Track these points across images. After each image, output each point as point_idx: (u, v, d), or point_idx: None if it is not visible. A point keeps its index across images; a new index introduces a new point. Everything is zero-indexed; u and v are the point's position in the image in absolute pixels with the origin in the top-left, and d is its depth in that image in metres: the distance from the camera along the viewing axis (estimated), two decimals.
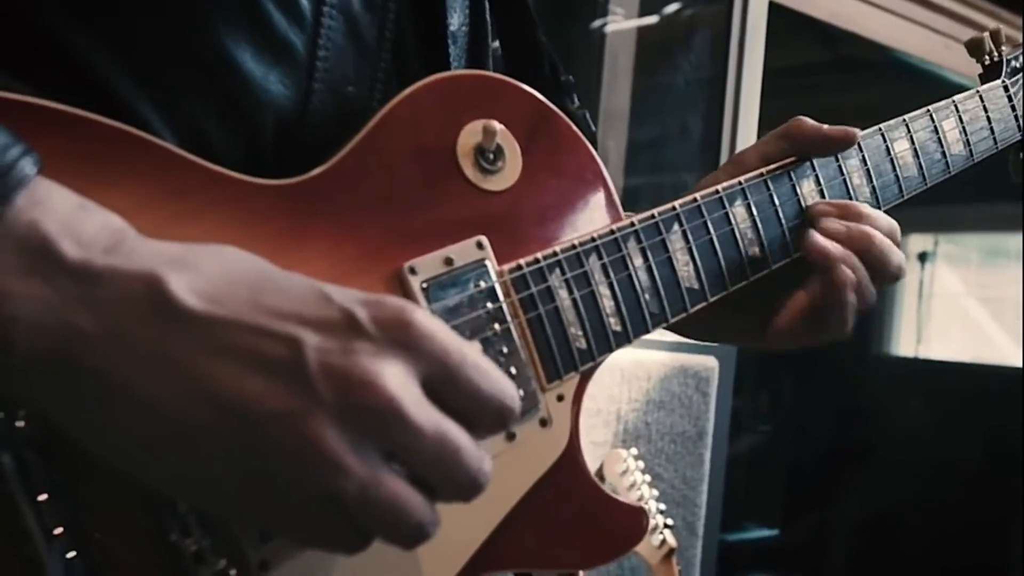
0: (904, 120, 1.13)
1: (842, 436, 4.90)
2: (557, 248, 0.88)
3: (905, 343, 5.50)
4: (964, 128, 1.18)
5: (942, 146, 1.15)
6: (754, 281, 1.00)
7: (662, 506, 2.11)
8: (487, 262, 0.85)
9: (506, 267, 0.85)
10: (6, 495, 0.66)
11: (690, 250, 0.95)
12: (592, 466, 2.17)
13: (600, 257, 0.90)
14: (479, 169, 0.86)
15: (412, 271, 0.81)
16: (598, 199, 0.93)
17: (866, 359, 5.44)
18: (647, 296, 0.92)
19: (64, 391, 0.61)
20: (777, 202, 1.02)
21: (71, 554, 0.67)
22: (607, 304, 0.90)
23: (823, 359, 4.83)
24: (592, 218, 0.92)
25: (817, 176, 1.05)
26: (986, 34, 1.25)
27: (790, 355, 4.63)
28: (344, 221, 0.80)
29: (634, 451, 2.14)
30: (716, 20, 3.09)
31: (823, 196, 1.05)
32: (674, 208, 0.95)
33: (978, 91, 1.21)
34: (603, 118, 2.98)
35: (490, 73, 0.94)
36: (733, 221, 0.99)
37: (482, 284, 0.84)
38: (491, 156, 0.86)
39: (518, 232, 0.87)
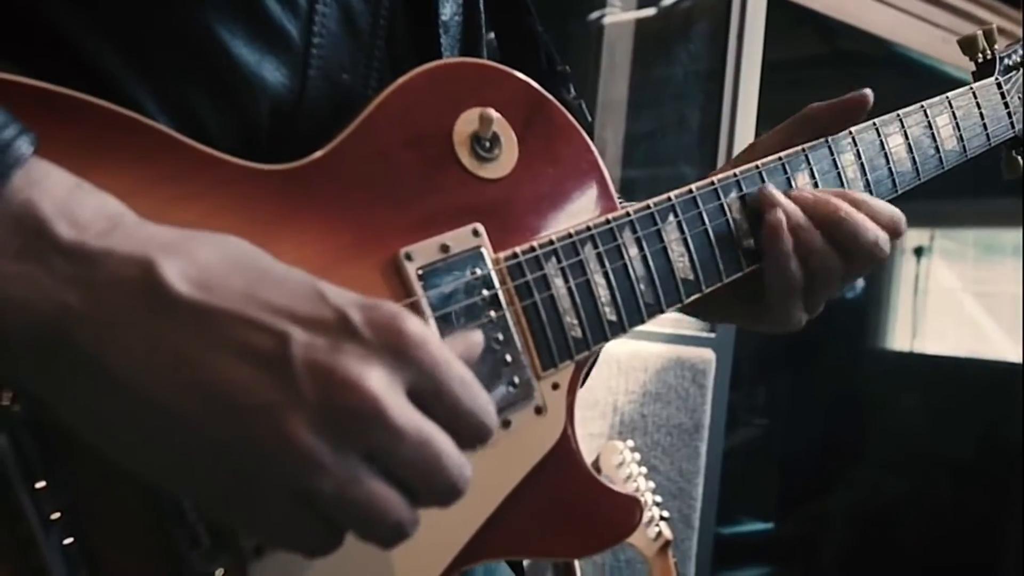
0: (898, 115, 1.13)
1: (837, 430, 4.91)
2: (553, 236, 0.88)
3: (900, 337, 5.50)
4: (957, 124, 1.18)
5: (935, 141, 1.15)
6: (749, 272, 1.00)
7: (658, 498, 2.11)
8: (483, 249, 0.85)
9: (502, 255, 0.86)
10: (2, 479, 0.66)
11: (685, 240, 0.95)
12: (588, 458, 2.17)
13: (596, 246, 0.90)
14: (475, 157, 0.86)
15: (408, 257, 0.81)
16: (593, 188, 0.93)
17: (862, 353, 5.45)
18: (642, 286, 0.92)
19: (53, 371, 0.61)
20: None
21: (68, 540, 0.67)
22: (602, 293, 0.90)
23: (819, 353, 4.84)
24: (587, 207, 0.92)
25: (812, 169, 1.05)
26: (979, 32, 1.26)
27: (786, 348, 4.65)
28: (340, 207, 0.80)
29: (630, 443, 2.14)
30: (715, 12, 3.09)
31: (817, 188, 1.05)
32: (669, 199, 0.95)
33: (971, 88, 1.22)
34: (601, 109, 2.98)
35: (487, 61, 0.94)
36: (728, 212, 0.99)
37: (478, 271, 0.84)
38: (487, 144, 0.86)
39: (514, 220, 0.88)
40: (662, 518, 2.09)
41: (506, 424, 0.85)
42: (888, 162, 1.11)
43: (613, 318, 0.91)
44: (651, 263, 0.93)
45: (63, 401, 0.62)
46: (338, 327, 0.63)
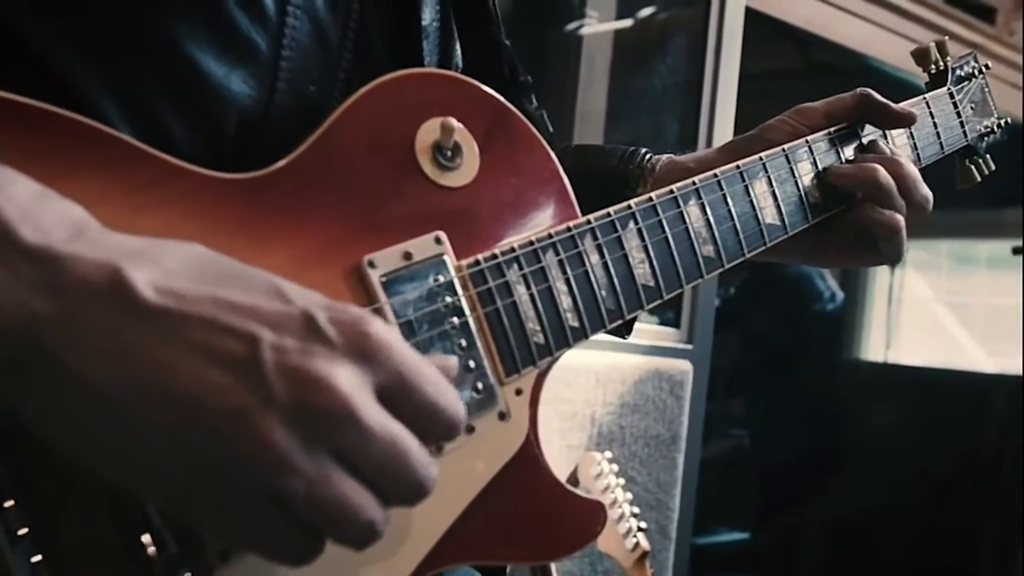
0: (854, 126, 1.15)
1: (813, 440, 4.92)
2: (515, 243, 0.89)
3: (875, 348, 5.53)
4: (912, 133, 1.21)
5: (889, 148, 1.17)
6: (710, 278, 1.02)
7: (636, 509, 2.10)
8: (445, 257, 0.86)
9: (464, 262, 0.86)
10: None
11: (645, 248, 0.96)
12: (566, 469, 2.18)
13: (557, 253, 0.91)
14: (437, 166, 0.87)
15: (371, 264, 0.82)
16: (555, 197, 0.94)
17: (837, 364, 5.47)
18: (603, 292, 0.93)
19: (20, 375, 0.61)
20: (730, 202, 1.04)
21: (36, 558, 0.67)
22: (564, 300, 0.91)
23: (795, 363, 4.86)
24: (549, 215, 0.93)
25: (769, 178, 1.07)
26: (932, 43, 1.29)
27: (763, 359, 4.67)
28: (304, 214, 0.81)
29: (608, 454, 2.14)
30: (692, 24, 3.10)
31: (775, 197, 1.07)
32: (630, 207, 0.96)
33: (924, 97, 1.24)
34: (579, 120, 2.99)
35: (449, 72, 0.95)
36: (687, 220, 1.00)
37: (441, 278, 0.85)
38: (449, 153, 0.87)
39: (476, 228, 0.89)
40: (640, 529, 2.08)
41: (470, 430, 0.85)
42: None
43: (575, 324, 0.92)
44: (612, 269, 0.94)
45: (32, 407, 0.62)
46: (304, 327, 0.63)
